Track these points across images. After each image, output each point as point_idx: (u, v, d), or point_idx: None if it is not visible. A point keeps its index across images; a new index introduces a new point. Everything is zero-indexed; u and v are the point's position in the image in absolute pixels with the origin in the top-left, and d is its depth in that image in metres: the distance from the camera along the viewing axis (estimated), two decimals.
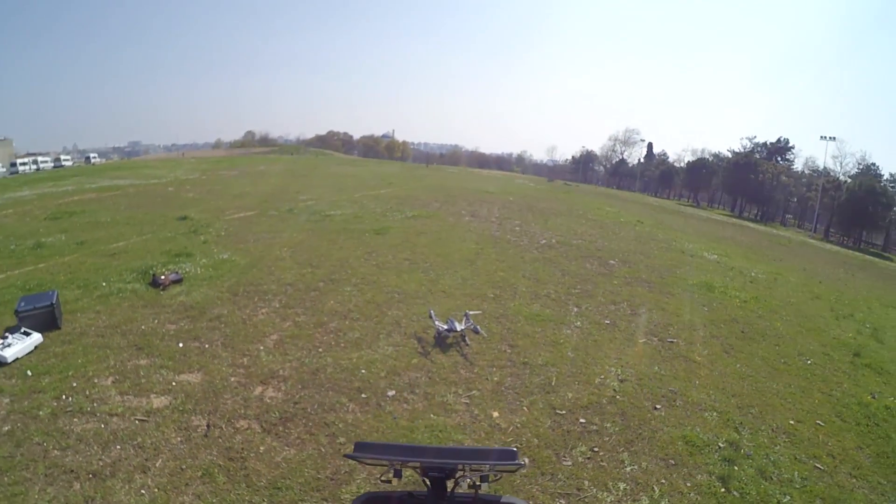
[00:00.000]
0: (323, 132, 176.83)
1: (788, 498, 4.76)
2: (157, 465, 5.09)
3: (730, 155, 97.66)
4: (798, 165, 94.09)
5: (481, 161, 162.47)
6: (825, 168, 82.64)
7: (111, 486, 4.77)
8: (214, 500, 4.65)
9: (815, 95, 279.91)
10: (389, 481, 1.02)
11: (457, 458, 0.90)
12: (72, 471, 4.95)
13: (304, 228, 16.13)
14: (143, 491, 4.73)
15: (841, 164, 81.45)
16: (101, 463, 5.07)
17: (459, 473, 0.94)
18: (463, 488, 0.96)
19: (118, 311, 8.72)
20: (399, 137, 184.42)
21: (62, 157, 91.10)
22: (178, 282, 10.19)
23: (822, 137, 79.76)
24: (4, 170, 72.80)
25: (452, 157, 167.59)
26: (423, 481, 0.95)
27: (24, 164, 74.24)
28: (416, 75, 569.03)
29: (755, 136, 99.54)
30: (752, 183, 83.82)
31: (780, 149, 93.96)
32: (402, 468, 0.96)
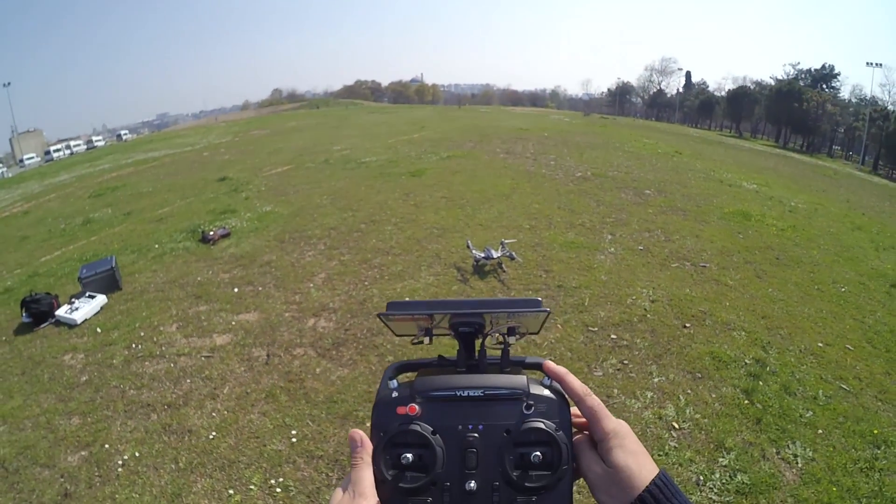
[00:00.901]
0: (350, 82, 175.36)
1: (811, 413, 4.97)
2: (225, 391, 5.67)
3: (772, 83, 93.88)
4: (844, 94, 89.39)
5: (514, 99, 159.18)
6: (872, 97, 78.63)
7: (185, 413, 5.35)
8: (278, 416, 5.18)
9: (860, 18, 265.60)
10: (420, 342, 0.99)
11: (483, 308, 0.88)
12: (148, 405, 5.55)
13: (340, 177, 16.46)
14: (213, 414, 5.31)
15: (889, 92, 77.07)
16: (174, 395, 5.67)
17: (487, 328, 0.93)
18: (491, 344, 0.94)
19: (173, 268, 9.38)
20: (428, 81, 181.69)
21: (93, 138, 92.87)
22: (226, 236, 10.80)
23: (868, 64, 76.10)
24: (39, 159, 74.89)
25: (485, 97, 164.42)
26: (454, 338, 0.93)
27: (57, 150, 75.89)
28: (441, 16, 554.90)
29: (798, 63, 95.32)
30: (796, 112, 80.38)
31: (826, 76, 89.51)
32: (431, 326, 0.94)
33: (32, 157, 76.95)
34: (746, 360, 5.77)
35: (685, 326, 6.45)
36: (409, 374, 0.92)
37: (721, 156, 27.51)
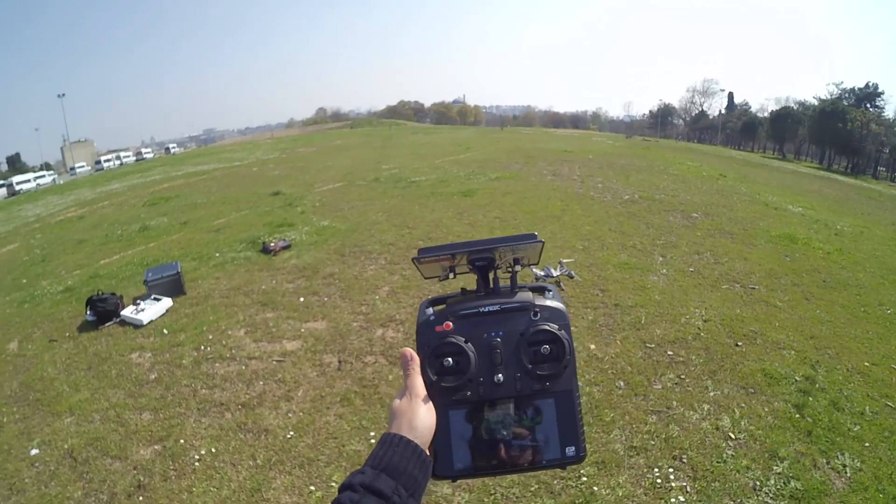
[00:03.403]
0: (393, 102, 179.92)
1: (858, 427, 5.18)
2: (299, 394, 5.93)
3: (816, 103, 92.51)
4: (889, 113, 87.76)
5: (556, 120, 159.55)
6: None
7: (260, 413, 5.61)
8: (355, 418, 5.43)
9: None
10: (446, 278, 1.21)
11: (492, 244, 1.07)
12: (222, 404, 5.83)
13: (393, 195, 16.87)
14: (289, 414, 5.58)
15: None
16: (247, 396, 5.94)
17: (497, 261, 1.12)
18: (502, 275, 1.14)
19: (237, 276, 9.72)
20: (470, 102, 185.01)
21: (143, 150, 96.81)
22: (286, 248, 11.16)
23: None
24: (90, 168, 77.76)
25: (526, 118, 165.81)
26: (472, 272, 1.13)
27: (107, 160, 79.19)
28: (484, 39, 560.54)
29: (842, 82, 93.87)
30: (840, 133, 78.64)
31: (870, 95, 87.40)
32: (453, 265, 1.15)
33: (83, 166, 80.00)
34: (796, 378, 6.01)
35: (737, 345, 6.72)
36: (440, 305, 1.11)
37: (765, 179, 27.40)
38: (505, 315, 1.02)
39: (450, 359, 0.99)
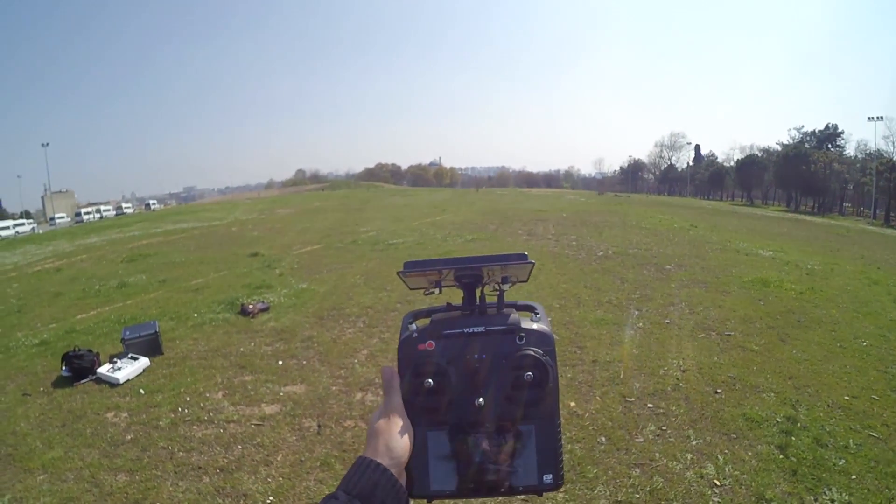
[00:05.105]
0: (371, 165, 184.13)
1: (844, 461, 5.22)
2: (279, 458, 5.77)
3: (779, 148, 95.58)
4: (850, 150, 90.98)
5: (529, 180, 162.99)
6: (878, 150, 79.82)
7: (238, 477, 5.44)
8: (335, 483, 5.28)
9: (858, 75, 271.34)
10: (432, 293, 1.16)
11: (481, 263, 1.05)
12: (199, 467, 5.64)
13: (371, 257, 16.92)
14: (268, 479, 5.41)
15: (894, 143, 78.40)
16: (225, 460, 5.76)
17: (485, 278, 1.09)
18: (489, 291, 1.11)
19: (214, 337, 9.55)
20: (446, 164, 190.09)
21: (123, 204, 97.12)
22: (265, 310, 11.01)
23: (869, 118, 77.89)
24: (69, 219, 77.95)
25: (501, 179, 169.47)
26: (459, 287, 1.09)
27: (87, 213, 79.74)
28: (458, 102, 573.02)
29: (802, 126, 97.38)
30: (804, 174, 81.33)
31: (830, 135, 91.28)
32: (440, 280, 1.11)
33: (63, 217, 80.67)
34: (778, 419, 6.06)
35: (716, 392, 6.78)
36: (423, 319, 1.11)
37: (735, 226, 27.87)
38: (489, 337, 1.01)
39: (430, 380, 0.98)
